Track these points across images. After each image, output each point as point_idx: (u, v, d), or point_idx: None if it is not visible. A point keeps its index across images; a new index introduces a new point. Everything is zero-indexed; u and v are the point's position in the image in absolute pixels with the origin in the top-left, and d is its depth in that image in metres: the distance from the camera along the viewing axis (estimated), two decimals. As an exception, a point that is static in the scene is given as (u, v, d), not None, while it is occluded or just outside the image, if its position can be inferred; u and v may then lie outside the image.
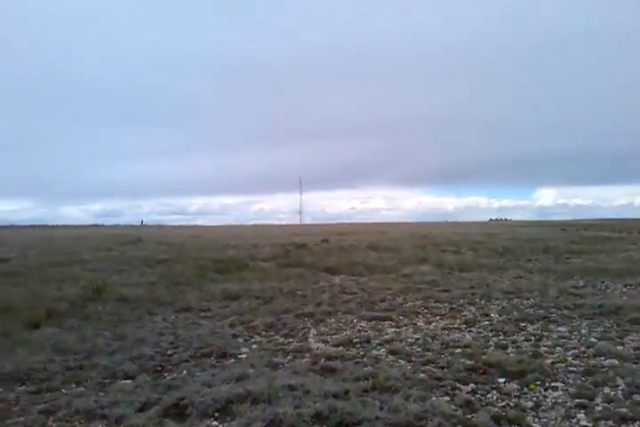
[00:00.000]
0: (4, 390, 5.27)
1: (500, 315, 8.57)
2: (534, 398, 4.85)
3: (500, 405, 4.72)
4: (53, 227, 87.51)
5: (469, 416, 4.43)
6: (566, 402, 4.75)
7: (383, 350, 6.59)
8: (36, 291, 10.75)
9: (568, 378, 5.38)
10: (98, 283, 10.66)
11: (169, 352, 6.60)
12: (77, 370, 5.85)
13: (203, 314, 9.03)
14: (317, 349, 6.65)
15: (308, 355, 6.39)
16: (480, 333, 7.42)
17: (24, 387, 5.36)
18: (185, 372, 5.81)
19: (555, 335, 7.15)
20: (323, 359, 6.11)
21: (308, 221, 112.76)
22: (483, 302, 9.84)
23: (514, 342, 6.87)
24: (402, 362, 6.03)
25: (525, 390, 5.08)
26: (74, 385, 5.40)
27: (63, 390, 5.25)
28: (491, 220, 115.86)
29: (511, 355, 6.17)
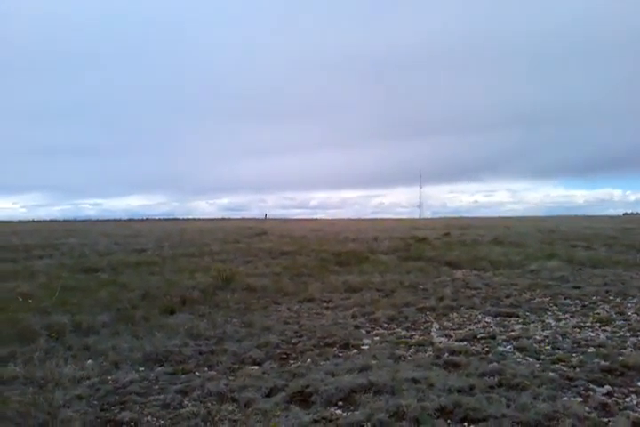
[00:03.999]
0: (146, 369, 5.70)
1: (638, 314, 8.00)
2: (681, 405, 4.48)
3: (640, 410, 4.42)
4: (185, 220, 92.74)
5: (605, 420, 4.19)
6: None
7: (509, 346, 6.38)
8: (171, 279, 11.49)
9: None
10: (226, 273, 11.16)
11: (294, 341, 6.80)
12: (209, 354, 6.19)
13: (325, 305, 9.21)
14: (440, 343, 6.57)
15: (430, 349, 6.33)
16: (615, 332, 6.97)
17: (162, 368, 5.75)
18: (309, 360, 5.96)
19: (703, 338, 6.56)
20: (446, 354, 6.02)
21: (428, 214, 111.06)
22: (618, 300, 9.22)
23: (655, 343, 6.39)
24: (530, 360, 5.81)
25: (670, 395, 4.71)
26: (206, 369, 5.73)
27: (197, 373, 5.58)
28: (625, 213, 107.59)
29: (652, 357, 5.74)
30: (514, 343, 6.46)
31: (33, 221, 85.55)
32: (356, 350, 6.35)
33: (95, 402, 4.77)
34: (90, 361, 5.90)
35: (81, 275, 12.57)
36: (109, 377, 5.38)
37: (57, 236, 29.31)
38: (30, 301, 8.77)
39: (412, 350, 6.30)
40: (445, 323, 7.76)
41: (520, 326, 7.46)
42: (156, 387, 5.18)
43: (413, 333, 7.22)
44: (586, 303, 8.94)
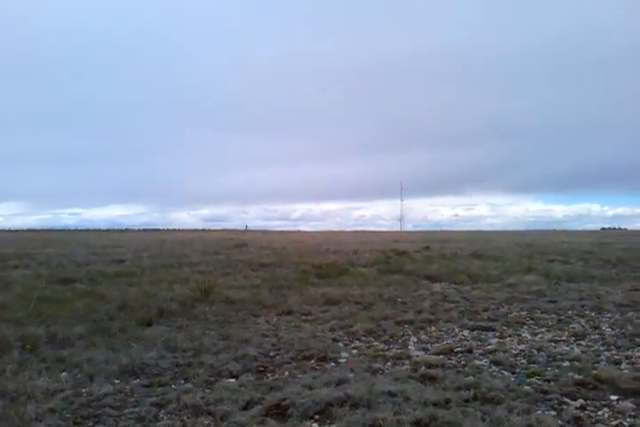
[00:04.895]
0: (121, 381, 5.64)
1: (612, 328, 8.12)
2: (652, 419, 4.54)
3: (612, 424, 4.47)
4: (165, 230, 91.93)
5: (578, 433, 4.25)
6: (690, 425, 4.41)
7: (486, 360, 6.43)
8: (149, 291, 11.36)
9: (690, 399, 5.00)
10: (205, 285, 11.09)
11: (271, 354, 6.78)
12: (186, 367, 6.14)
13: (304, 317, 9.19)
14: (417, 356, 6.59)
15: (407, 362, 6.35)
16: (590, 346, 7.07)
17: (138, 380, 5.70)
18: (287, 373, 5.94)
19: (675, 353, 6.67)
20: (423, 367, 6.05)
21: (408, 227, 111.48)
22: (593, 314, 9.35)
23: (628, 357, 6.47)
24: (505, 373, 5.86)
25: (641, 409, 4.76)
26: (182, 381, 5.68)
27: (173, 386, 5.53)
28: (603, 228, 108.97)
29: (625, 371, 5.82)
30: (490, 357, 6.51)
31: (10, 230, 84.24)
32: (333, 364, 6.36)
33: (68, 415, 4.71)
34: (64, 373, 5.82)
35: (57, 285, 12.39)
36: (84, 390, 5.32)
37: (34, 245, 28.93)
38: (4, 311, 8.65)
39: (389, 364, 6.32)
40: (423, 336, 7.79)
41: (496, 339, 7.53)
42: (132, 400, 5.12)
43: (391, 346, 7.24)
44: (562, 317, 9.05)
